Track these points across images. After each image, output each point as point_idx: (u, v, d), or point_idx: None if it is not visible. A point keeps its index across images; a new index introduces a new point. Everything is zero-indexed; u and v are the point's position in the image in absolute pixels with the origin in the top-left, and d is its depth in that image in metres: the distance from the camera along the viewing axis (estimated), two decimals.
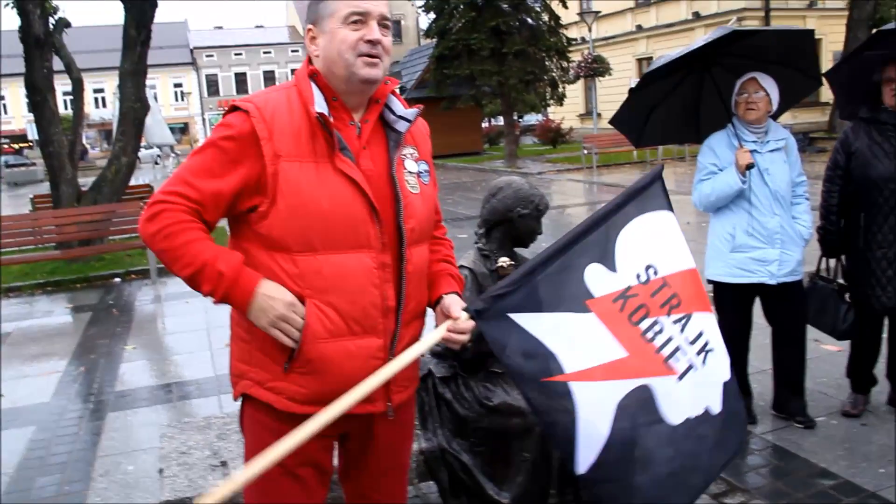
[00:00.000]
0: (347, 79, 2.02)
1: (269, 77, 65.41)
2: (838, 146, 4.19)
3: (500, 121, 35.29)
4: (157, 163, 42.68)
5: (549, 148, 32.89)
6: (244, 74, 65.82)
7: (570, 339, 2.21)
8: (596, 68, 25.88)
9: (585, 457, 2.20)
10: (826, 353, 5.27)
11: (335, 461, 2.31)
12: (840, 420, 4.31)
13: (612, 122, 4.52)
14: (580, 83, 30.40)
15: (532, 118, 43.36)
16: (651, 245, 2.42)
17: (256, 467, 1.82)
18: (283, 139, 1.96)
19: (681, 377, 2.33)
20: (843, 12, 24.27)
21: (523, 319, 2.17)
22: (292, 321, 1.94)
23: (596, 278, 2.28)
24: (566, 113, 34.97)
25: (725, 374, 2.51)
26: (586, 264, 2.28)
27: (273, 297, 1.94)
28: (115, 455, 4.53)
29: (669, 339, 2.34)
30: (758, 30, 4.42)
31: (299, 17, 67.77)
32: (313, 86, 2.04)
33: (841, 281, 4.30)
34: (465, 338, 2.13)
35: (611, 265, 2.31)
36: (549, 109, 35.47)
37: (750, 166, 3.92)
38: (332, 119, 1.99)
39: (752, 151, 3.99)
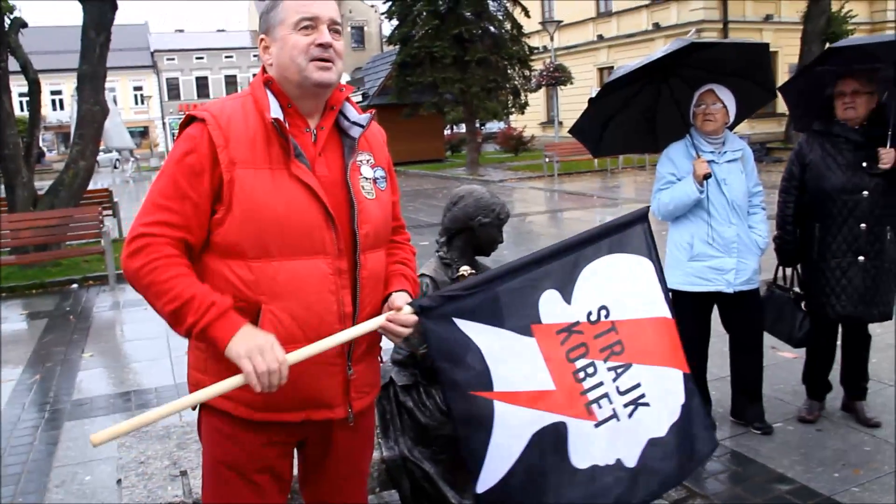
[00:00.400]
0: (301, 83, 2.02)
1: (231, 81, 64.87)
2: (793, 157, 4.28)
3: (463, 128, 35.41)
4: (116, 167, 42.04)
5: (511, 156, 33.06)
6: (205, 78, 65.14)
7: (505, 358, 2.20)
8: (558, 77, 26.10)
9: (487, 477, 2.19)
10: (783, 360, 5.37)
11: (294, 470, 2.30)
12: (796, 426, 4.39)
13: (571, 131, 4.57)
14: (542, 92, 30.63)
15: (494, 126, 43.55)
16: (612, 287, 2.41)
17: (165, 410, 1.84)
18: (238, 146, 1.95)
19: (598, 424, 2.31)
20: (798, 26, 24.77)
21: (468, 327, 2.16)
22: (266, 353, 1.86)
23: (549, 305, 2.28)
24: (528, 121, 35.15)
25: (658, 431, 2.44)
26: (545, 288, 2.28)
27: (256, 332, 1.90)
28: (71, 465, 4.45)
29: (599, 384, 2.32)
30: (715, 42, 4.50)
31: None
32: (268, 93, 2.04)
33: (797, 290, 4.39)
34: (405, 331, 2.10)
35: (567, 296, 2.31)
36: (511, 117, 35.66)
37: (707, 176, 4.00)
38: (287, 125, 1.99)
39: (709, 162, 4.07)
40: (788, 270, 4.44)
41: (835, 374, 4.52)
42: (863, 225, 4.01)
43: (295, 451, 2.26)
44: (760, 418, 4.33)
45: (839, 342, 4.45)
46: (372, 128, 2.21)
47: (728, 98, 4.10)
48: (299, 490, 2.38)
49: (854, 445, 4.11)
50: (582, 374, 2.29)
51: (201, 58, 65.07)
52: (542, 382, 2.23)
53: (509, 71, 27.57)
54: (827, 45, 22.73)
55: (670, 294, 2.62)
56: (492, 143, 39.21)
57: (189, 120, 2.03)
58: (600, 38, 32.46)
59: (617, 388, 2.34)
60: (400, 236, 2.38)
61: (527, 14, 27.58)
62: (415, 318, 2.11)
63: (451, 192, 3.33)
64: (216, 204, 1.96)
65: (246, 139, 1.97)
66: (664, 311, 2.53)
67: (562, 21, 28.78)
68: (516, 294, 2.23)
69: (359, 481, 2.37)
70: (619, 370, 2.36)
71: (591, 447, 2.30)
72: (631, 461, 2.37)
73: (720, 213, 4.09)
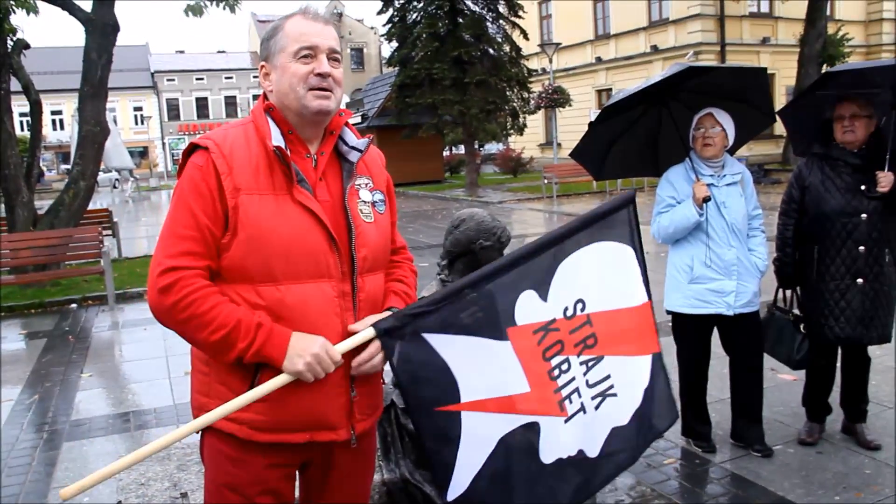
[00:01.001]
0: (300, 111, 2.06)
1: (231, 102, 65.10)
2: (793, 180, 4.31)
3: (461, 149, 35.52)
4: (115, 187, 42.12)
5: (510, 177, 33.17)
6: (205, 99, 65.40)
7: (477, 366, 2.15)
8: (556, 99, 26.20)
9: (457, 485, 2.16)
10: (782, 382, 5.37)
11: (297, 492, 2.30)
12: (796, 448, 4.39)
13: (572, 154, 4.60)
14: (540, 113, 30.77)
15: (493, 147, 43.71)
16: (591, 278, 2.37)
17: (134, 457, 1.90)
18: (242, 173, 1.98)
19: (568, 419, 2.29)
20: (794, 49, 25.00)
21: (437, 340, 2.10)
22: (323, 361, 1.95)
23: (526, 306, 2.22)
24: (526, 142, 35.31)
25: (621, 419, 2.46)
26: (522, 290, 2.22)
27: (307, 339, 1.96)
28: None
29: (572, 380, 2.30)
30: (713, 67, 4.54)
31: None
32: (269, 120, 2.08)
33: (797, 312, 4.40)
34: (369, 365, 2.08)
35: (544, 294, 2.26)
36: (510, 139, 35.80)
37: (706, 199, 4.02)
38: (289, 153, 2.02)
39: (709, 185, 4.10)
40: (788, 292, 4.45)
41: (834, 397, 4.52)
42: (861, 247, 4.04)
43: (297, 473, 2.27)
44: (761, 441, 4.33)
45: (839, 364, 4.45)
46: (371, 151, 2.25)
47: (727, 122, 4.13)
48: None
49: (855, 468, 4.10)
50: (556, 372, 2.26)
51: (201, 79, 65.34)
52: (516, 386, 2.19)
53: (508, 93, 27.72)
54: (824, 67, 22.96)
55: (648, 276, 2.59)
56: (490, 164, 39.34)
57: (192, 148, 2.05)
58: (598, 60, 32.67)
59: (587, 381, 2.33)
60: (399, 255, 2.41)
61: (525, 36, 27.79)
62: (377, 347, 2.06)
63: (452, 214, 3.35)
64: (224, 230, 1.99)
65: (249, 166, 2.00)
66: (641, 297, 2.52)
67: (560, 43, 28.94)
68: (491, 300, 2.18)
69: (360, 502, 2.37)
70: (591, 363, 2.34)
71: (559, 442, 2.29)
72: (593, 451, 2.38)
73: (720, 236, 4.12)
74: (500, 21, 27.56)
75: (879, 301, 4.10)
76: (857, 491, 3.85)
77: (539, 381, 2.22)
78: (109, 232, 13.69)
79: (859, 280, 4.06)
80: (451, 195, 27.03)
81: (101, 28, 10.89)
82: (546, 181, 23.94)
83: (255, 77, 65.08)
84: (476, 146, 30.41)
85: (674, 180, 4.24)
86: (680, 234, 4.17)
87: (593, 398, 2.35)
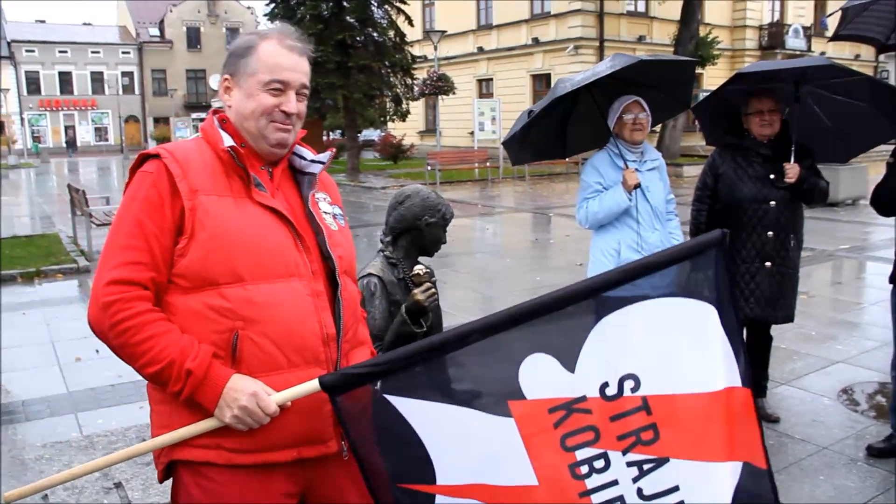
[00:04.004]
0: (257, 139, 2.01)
1: (97, 78, 61.74)
2: (707, 169, 4.52)
3: (339, 134, 35.15)
4: None
5: (391, 163, 33.13)
6: (69, 74, 61.74)
7: (462, 445, 1.71)
8: (441, 86, 26.33)
9: None
10: None
11: None
12: None
13: (504, 143, 4.66)
14: (421, 101, 30.88)
15: (371, 133, 43.51)
16: (648, 346, 1.76)
17: (83, 469, 1.85)
18: (198, 176, 1.92)
19: None
20: (668, 48, 26.12)
21: (407, 406, 1.71)
22: (254, 413, 1.82)
23: (537, 373, 1.70)
24: (407, 129, 35.36)
25: None
26: (530, 352, 1.71)
27: (238, 389, 1.82)
28: None
29: (611, 484, 1.71)
30: (662, 59, 4.63)
31: (131, 16, 64.49)
32: (221, 131, 2.02)
33: None
34: None
35: (569, 362, 1.71)
36: (390, 125, 35.73)
37: (637, 186, 4.14)
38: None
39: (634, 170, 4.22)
40: None
41: None
42: (770, 233, 4.28)
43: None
44: None
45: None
46: (327, 177, 2.25)
47: (647, 107, 4.27)
48: None
49: None
50: (585, 469, 1.70)
51: (65, 52, 61.61)
52: (518, 477, 1.69)
53: (392, 78, 27.66)
54: (696, 67, 24.06)
55: (744, 352, 1.86)
56: (370, 150, 39.16)
57: (142, 160, 1.97)
58: (480, 50, 33.06)
59: (639, 489, 1.72)
60: None
61: (410, 23, 27.77)
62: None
63: (396, 192, 3.31)
64: (178, 236, 1.88)
65: (205, 171, 1.94)
66: (731, 380, 1.79)
67: (446, 31, 29.11)
68: (483, 361, 1.74)
69: None
70: (647, 466, 1.72)
71: None
72: None
73: (645, 220, 4.25)
74: (385, 6, 27.43)
75: (785, 283, 4.37)
76: None
77: (553, 475, 1.69)
78: None
79: (767, 263, 4.31)
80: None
81: None
82: (430, 168, 24.07)
83: (123, 52, 62.12)
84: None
85: (599, 165, 4.33)
86: (609, 220, 4.26)
87: None
